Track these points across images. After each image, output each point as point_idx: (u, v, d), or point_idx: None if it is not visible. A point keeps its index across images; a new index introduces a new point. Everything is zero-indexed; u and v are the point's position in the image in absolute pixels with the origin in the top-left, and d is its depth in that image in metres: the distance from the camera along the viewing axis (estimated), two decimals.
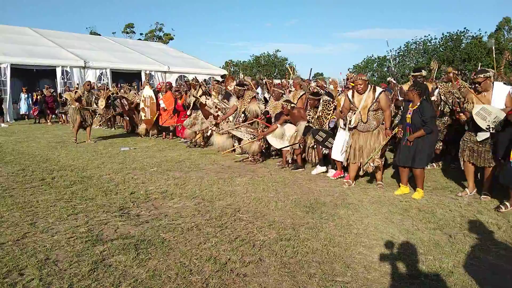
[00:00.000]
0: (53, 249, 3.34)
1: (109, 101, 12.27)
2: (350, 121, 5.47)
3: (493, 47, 6.96)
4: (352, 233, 3.79)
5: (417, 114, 4.92)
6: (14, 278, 2.84)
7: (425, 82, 6.06)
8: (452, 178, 5.99)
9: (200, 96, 8.77)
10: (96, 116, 14.25)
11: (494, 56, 6.92)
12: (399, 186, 5.36)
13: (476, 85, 4.94)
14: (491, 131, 4.72)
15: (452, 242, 3.58)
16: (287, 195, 5.10)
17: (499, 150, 4.60)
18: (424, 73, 6.30)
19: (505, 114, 4.56)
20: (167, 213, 4.33)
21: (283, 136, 6.82)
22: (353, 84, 5.60)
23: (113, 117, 13.58)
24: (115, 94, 12.62)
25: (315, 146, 6.39)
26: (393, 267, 3.11)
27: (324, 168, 6.45)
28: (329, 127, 6.23)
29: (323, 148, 6.21)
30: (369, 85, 5.47)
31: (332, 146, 6.04)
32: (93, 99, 10.29)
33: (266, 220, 4.14)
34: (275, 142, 6.99)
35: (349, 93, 5.59)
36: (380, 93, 5.36)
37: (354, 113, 5.43)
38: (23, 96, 16.85)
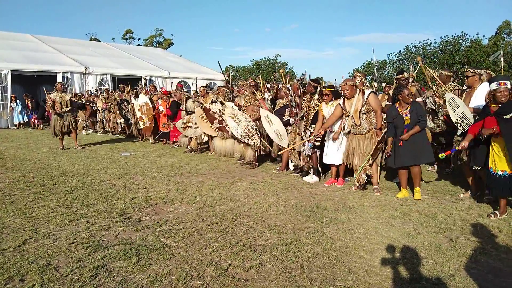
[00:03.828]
0: (54, 255, 3.34)
1: (114, 104, 12.39)
2: (344, 126, 5.52)
3: (501, 58, 6.90)
4: (353, 237, 3.79)
5: (413, 113, 5.02)
6: (16, 284, 2.84)
7: (409, 85, 6.09)
8: (452, 182, 5.99)
9: (211, 103, 8.73)
10: (79, 120, 14.27)
11: (502, 66, 6.91)
12: (400, 189, 5.37)
13: (465, 78, 5.13)
14: (460, 128, 4.90)
15: (453, 245, 3.58)
16: (288, 200, 5.10)
17: (476, 156, 4.62)
18: (406, 75, 6.34)
19: (471, 114, 4.78)
20: (168, 219, 4.33)
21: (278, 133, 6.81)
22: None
23: (107, 121, 13.65)
24: (120, 97, 12.69)
25: (306, 154, 6.27)
26: (394, 271, 3.11)
27: (317, 179, 6.22)
28: (305, 147, 6.08)
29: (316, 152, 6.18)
30: (357, 89, 5.50)
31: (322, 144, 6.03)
32: (69, 100, 9.88)
33: (267, 224, 4.14)
34: (275, 136, 6.95)
35: (341, 100, 5.62)
36: (369, 94, 5.43)
37: (347, 118, 5.48)
38: (13, 105, 16.44)
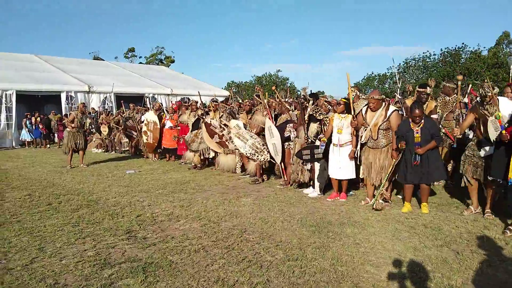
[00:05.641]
0: (61, 273, 3.35)
1: (117, 125, 12.51)
2: (361, 136, 5.53)
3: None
4: (360, 252, 3.78)
5: (425, 131, 4.98)
6: None
7: (429, 100, 6.09)
8: (457, 195, 5.97)
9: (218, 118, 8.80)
10: (94, 140, 14.44)
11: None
12: (403, 203, 5.36)
13: (487, 99, 4.91)
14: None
15: (460, 258, 3.57)
16: (293, 215, 5.11)
17: (497, 167, 4.49)
18: (429, 90, 6.31)
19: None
20: (173, 235, 4.34)
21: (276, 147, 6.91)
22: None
23: (112, 141, 13.73)
24: (125, 115, 12.77)
25: (307, 168, 6.28)
26: (401, 285, 3.10)
27: (316, 193, 6.19)
28: (319, 149, 6.00)
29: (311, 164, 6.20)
30: (383, 103, 5.46)
31: (321, 156, 5.99)
32: (88, 122, 10.45)
33: (272, 240, 4.14)
34: (272, 150, 7.04)
35: (364, 109, 5.60)
36: (392, 112, 5.35)
37: (365, 130, 5.47)
38: (28, 122, 16.67)
